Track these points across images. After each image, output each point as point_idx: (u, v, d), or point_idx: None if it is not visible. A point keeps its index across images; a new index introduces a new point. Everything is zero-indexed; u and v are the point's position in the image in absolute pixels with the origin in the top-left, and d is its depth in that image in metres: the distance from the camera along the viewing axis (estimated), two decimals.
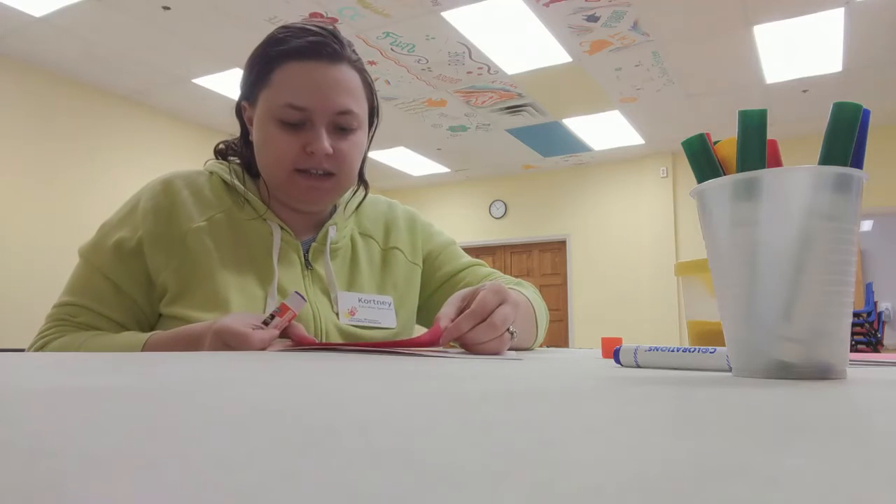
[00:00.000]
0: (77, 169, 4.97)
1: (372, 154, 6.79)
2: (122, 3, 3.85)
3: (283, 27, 0.89)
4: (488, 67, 4.74)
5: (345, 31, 4.16)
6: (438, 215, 7.97)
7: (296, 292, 0.76)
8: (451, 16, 3.99)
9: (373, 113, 0.95)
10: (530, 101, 5.44)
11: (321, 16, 3.98)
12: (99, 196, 5.02)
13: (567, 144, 6.55)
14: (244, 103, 0.92)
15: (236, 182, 0.91)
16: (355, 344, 0.73)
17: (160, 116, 5.60)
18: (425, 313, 1.06)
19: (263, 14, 3.95)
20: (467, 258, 1.07)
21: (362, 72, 0.91)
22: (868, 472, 0.14)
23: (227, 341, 0.69)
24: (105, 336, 0.81)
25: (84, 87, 5.06)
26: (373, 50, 4.44)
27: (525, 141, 6.46)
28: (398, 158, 6.97)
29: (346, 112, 0.86)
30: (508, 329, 0.70)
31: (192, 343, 0.74)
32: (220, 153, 0.98)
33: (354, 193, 1.01)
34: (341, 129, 0.87)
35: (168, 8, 3.91)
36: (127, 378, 0.33)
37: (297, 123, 0.85)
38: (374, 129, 0.96)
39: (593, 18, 4.05)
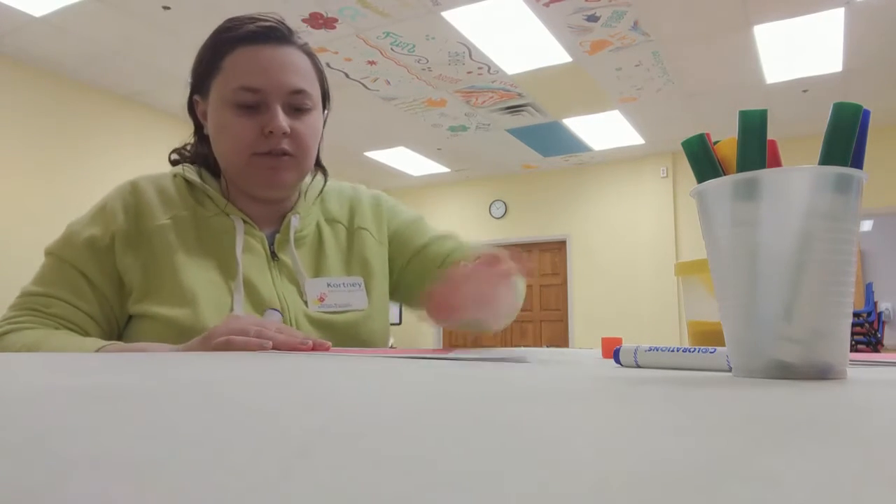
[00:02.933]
0: (77, 168, 4.97)
1: (372, 154, 6.80)
2: (122, 3, 3.85)
3: (230, 19, 0.90)
4: (488, 67, 4.74)
5: (345, 31, 4.16)
6: (438, 215, 7.96)
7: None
8: (451, 16, 3.99)
9: (324, 97, 0.96)
10: (530, 101, 5.44)
11: (321, 16, 3.97)
12: (99, 195, 5.00)
13: (567, 144, 6.55)
14: (196, 98, 0.92)
15: (197, 179, 0.91)
16: (360, 351, 0.73)
17: (160, 116, 5.60)
18: (398, 292, 1.05)
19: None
20: (434, 233, 1.06)
21: (311, 56, 0.93)
22: (868, 472, 0.14)
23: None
24: (66, 338, 0.78)
25: (84, 87, 5.06)
26: (373, 50, 4.44)
27: (525, 141, 6.46)
28: (398, 158, 6.97)
29: (300, 91, 0.87)
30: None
31: None
32: (175, 163, 0.98)
33: (313, 179, 1.01)
34: (296, 109, 0.88)
35: (168, 8, 3.91)
36: (127, 378, 0.33)
37: (252, 106, 0.86)
38: (326, 114, 0.97)
39: (593, 18, 4.05)
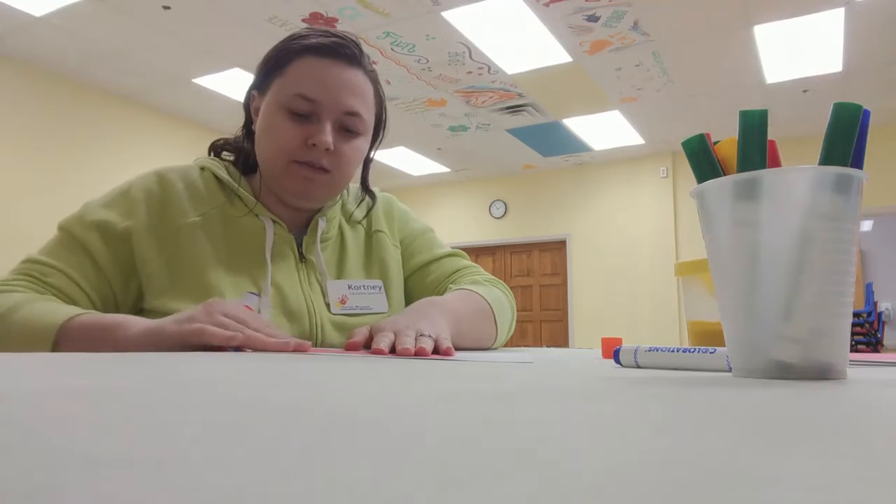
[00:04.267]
0: (77, 169, 4.97)
1: (372, 154, 6.79)
2: (122, 3, 3.84)
3: (308, 27, 0.91)
4: (488, 67, 4.74)
5: (345, 31, 4.16)
6: (438, 215, 7.96)
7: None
8: (451, 16, 3.99)
9: (379, 125, 0.96)
10: (530, 101, 5.44)
11: (321, 16, 3.98)
12: (98, 195, 5.01)
13: (567, 144, 6.55)
14: (254, 92, 0.92)
15: (227, 177, 0.91)
16: (361, 351, 0.72)
17: (160, 116, 5.60)
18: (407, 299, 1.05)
19: (263, 14, 3.95)
20: (443, 249, 1.06)
21: (376, 83, 0.93)
22: (868, 472, 0.14)
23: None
24: (48, 303, 0.75)
25: (84, 87, 5.06)
26: (373, 50, 4.44)
27: (525, 141, 6.46)
28: (398, 158, 6.97)
29: (355, 114, 0.87)
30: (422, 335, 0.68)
31: (111, 334, 0.68)
32: (216, 149, 0.98)
33: (359, 204, 1.01)
34: (346, 130, 0.88)
35: (168, 8, 3.91)
36: (127, 378, 0.33)
37: (304, 115, 0.85)
38: (379, 140, 0.98)
39: (593, 18, 4.05)
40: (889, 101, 5.33)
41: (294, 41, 0.88)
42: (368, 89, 0.90)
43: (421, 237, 1.05)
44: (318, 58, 0.86)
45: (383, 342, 0.64)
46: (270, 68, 0.89)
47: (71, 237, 0.83)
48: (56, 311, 0.73)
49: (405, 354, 0.61)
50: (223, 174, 0.91)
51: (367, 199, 1.02)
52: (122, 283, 0.84)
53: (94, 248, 0.82)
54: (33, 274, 0.81)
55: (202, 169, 0.92)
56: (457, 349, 0.73)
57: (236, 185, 0.90)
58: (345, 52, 0.88)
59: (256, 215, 0.90)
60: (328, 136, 0.85)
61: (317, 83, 0.85)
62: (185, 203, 0.87)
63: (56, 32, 4.22)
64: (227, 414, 0.21)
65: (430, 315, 0.76)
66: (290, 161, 0.86)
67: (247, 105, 0.94)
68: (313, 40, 0.87)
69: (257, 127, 0.90)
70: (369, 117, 0.91)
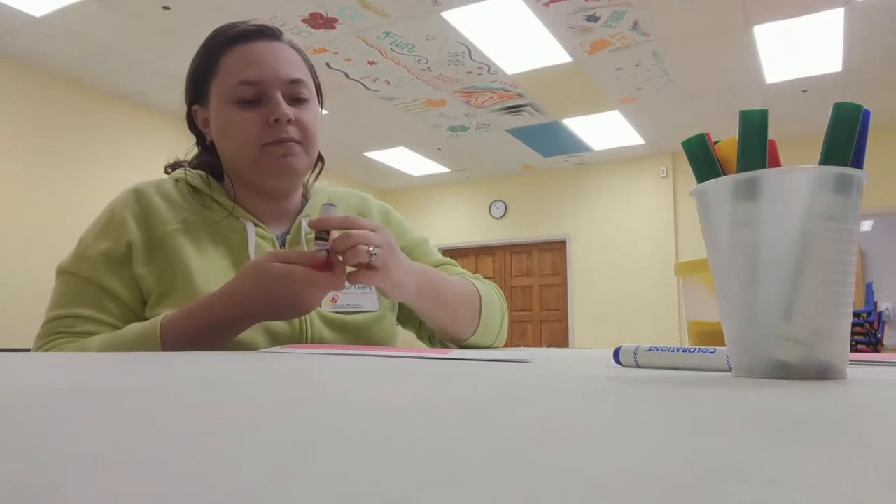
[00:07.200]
0: (77, 169, 4.97)
1: (372, 154, 6.80)
2: (122, 3, 3.84)
3: (217, 28, 0.93)
4: (488, 67, 4.74)
5: (345, 31, 4.16)
6: (438, 215, 7.96)
7: (325, 204, 0.77)
8: (451, 16, 3.99)
9: (318, 94, 0.97)
10: (530, 101, 5.43)
11: (321, 16, 3.97)
12: (98, 195, 5.01)
13: (567, 144, 6.55)
14: (195, 108, 0.93)
15: (200, 184, 0.92)
16: (358, 347, 0.73)
17: (160, 116, 5.59)
18: (398, 312, 1.05)
19: (263, 14, 3.95)
20: (438, 256, 1.08)
21: (300, 51, 0.95)
22: (868, 472, 0.14)
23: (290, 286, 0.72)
24: (114, 335, 0.78)
25: (84, 87, 5.06)
26: (373, 50, 4.44)
27: (525, 141, 6.46)
28: (398, 158, 6.97)
29: (297, 81, 0.89)
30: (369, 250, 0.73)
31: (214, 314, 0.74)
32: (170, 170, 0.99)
33: (317, 177, 1.02)
34: (295, 99, 0.90)
35: (168, 8, 3.91)
36: (127, 378, 0.33)
37: (253, 100, 0.87)
38: (320, 111, 0.99)
39: (593, 18, 4.05)
40: (889, 101, 5.33)
41: (213, 40, 0.90)
42: (298, 59, 0.93)
43: (421, 246, 1.08)
44: (244, 44, 0.89)
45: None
46: (201, 77, 0.91)
47: (78, 278, 0.84)
48: (139, 328, 0.77)
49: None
50: (197, 182, 0.92)
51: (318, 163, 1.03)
52: (140, 304, 0.85)
53: (104, 282, 0.83)
54: (63, 330, 0.81)
55: (176, 181, 0.94)
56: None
57: (210, 190, 0.91)
58: (265, 31, 0.91)
59: (237, 218, 0.91)
60: (285, 108, 0.86)
61: (253, 65, 0.87)
62: (164, 213, 0.88)
63: (56, 32, 4.22)
64: (228, 414, 0.21)
65: (403, 257, 0.82)
66: (260, 146, 0.87)
67: (192, 125, 0.95)
68: (232, 32, 0.89)
69: (213, 133, 0.91)
70: (310, 83, 0.93)
